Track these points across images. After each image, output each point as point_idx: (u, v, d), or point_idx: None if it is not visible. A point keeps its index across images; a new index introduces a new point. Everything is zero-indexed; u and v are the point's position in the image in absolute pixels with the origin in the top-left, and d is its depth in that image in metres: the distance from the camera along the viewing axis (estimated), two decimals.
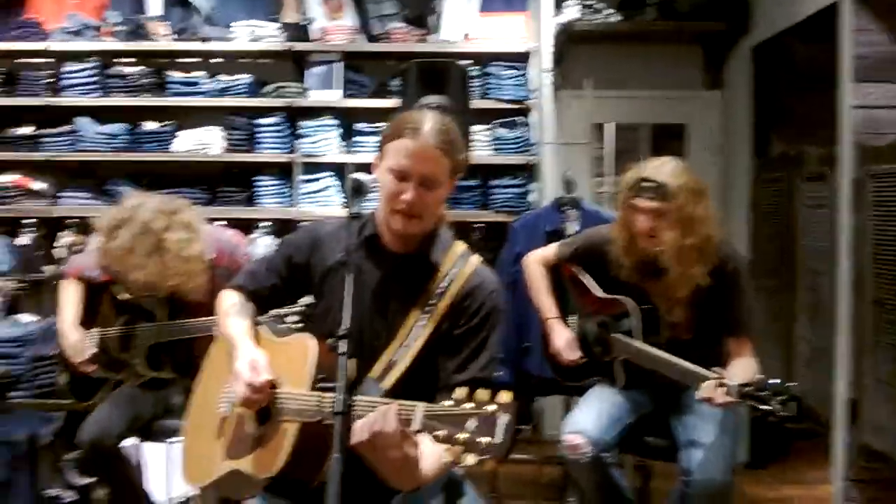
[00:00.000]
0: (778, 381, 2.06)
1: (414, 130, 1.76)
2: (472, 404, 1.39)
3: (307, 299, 2.04)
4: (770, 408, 2.01)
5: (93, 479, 2.68)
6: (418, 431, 1.46)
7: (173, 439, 2.71)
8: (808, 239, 3.41)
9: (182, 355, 2.72)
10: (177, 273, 2.61)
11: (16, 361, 3.21)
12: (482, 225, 4.41)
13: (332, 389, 1.57)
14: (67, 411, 2.78)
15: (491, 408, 1.38)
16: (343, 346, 1.57)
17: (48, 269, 4.24)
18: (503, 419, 1.36)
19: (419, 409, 1.46)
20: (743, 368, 2.29)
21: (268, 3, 4.65)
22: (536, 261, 2.91)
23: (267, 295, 2.00)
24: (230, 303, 1.98)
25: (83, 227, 4.27)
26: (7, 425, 2.45)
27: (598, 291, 2.72)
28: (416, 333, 1.80)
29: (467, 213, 4.44)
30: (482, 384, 1.74)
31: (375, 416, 1.48)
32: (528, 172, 4.48)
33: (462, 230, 4.44)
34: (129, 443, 2.89)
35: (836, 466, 2.86)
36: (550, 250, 2.89)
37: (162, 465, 3.03)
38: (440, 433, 1.40)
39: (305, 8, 4.64)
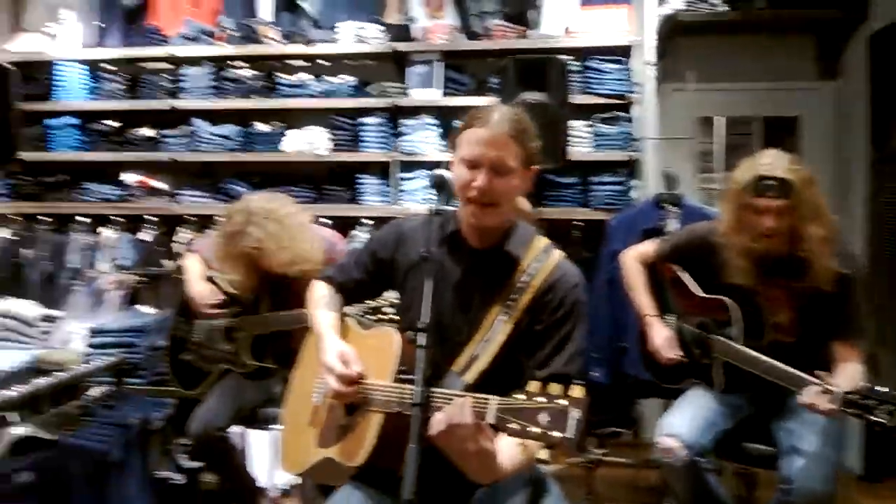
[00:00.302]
0: (885, 389, 1.97)
1: (482, 119, 1.79)
2: (543, 398, 1.40)
3: (394, 295, 2.09)
4: (875, 418, 1.92)
5: (201, 464, 2.82)
6: (492, 425, 1.47)
7: (275, 427, 2.83)
8: None
9: (282, 346, 2.83)
10: (292, 260, 2.75)
11: (135, 350, 3.42)
12: (581, 223, 4.36)
13: (412, 381, 1.60)
14: (179, 399, 2.94)
15: (563, 402, 1.38)
16: (422, 339, 1.59)
17: (168, 264, 4.49)
18: (574, 413, 1.37)
19: (493, 402, 1.48)
20: (849, 375, 2.20)
21: (372, 3, 4.75)
22: (634, 257, 2.85)
23: (353, 288, 2.08)
24: (319, 294, 2.07)
25: (201, 223, 4.52)
26: (123, 409, 2.61)
27: (699, 291, 2.64)
28: (497, 328, 1.81)
29: (567, 210, 4.40)
30: (565, 380, 1.74)
31: (452, 409, 1.50)
32: (629, 169, 4.39)
33: (562, 228, 4.42)
34: (235, 430, 3.05)
35: None
36: (649, 247, 2.82)
37: (266, 452, 3.16)
38: (513, 426, 1.42)
39: (407, 8, 4.71)
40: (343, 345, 1.88)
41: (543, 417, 1.39)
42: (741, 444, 2.53)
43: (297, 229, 2.82)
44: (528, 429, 1.40)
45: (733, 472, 2.91)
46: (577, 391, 1.40)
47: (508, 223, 1.88)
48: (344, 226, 4.50)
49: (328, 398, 1.92)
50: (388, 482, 1.77)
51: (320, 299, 2.06)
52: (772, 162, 2.33)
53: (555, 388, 1.41)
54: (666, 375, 2.78)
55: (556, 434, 1.37)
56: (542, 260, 1.85)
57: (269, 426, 2.86)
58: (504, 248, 1.85)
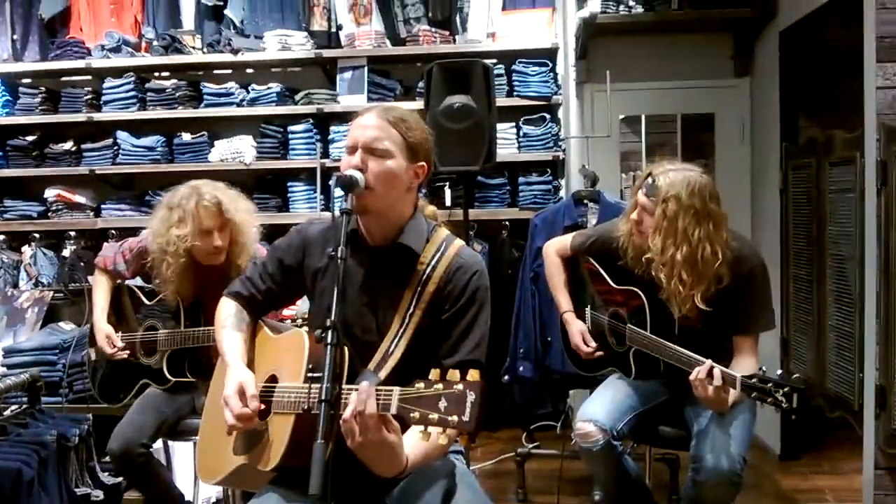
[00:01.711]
0: (779, 372, 2.08)
1: (367, 109, 1.85)
2: (441, 385, 1.42)
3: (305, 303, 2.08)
4: (772, 400, 2.01)
5: (121, 480, 2.76)
6: (396, 416, 1.48)
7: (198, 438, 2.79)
8: (837, 225, 3.32)
9: (202, 359, 2.82)
10: (234, 246, 2.78)
11: (53, 368, 3.35)
12: (507, 223, 4.42)
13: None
14: (94, 414, 2.89)
15: (459, 387, 1.40)
16: (330, 337, 1.59)
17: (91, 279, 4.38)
18: (471, 397, 1.39)
19: (395, 393, 1.49)
20: (745, 367, 2.29)
21: (297, 12, 4.73)
22: (555, 251, 2.93)
23: (262, 300, 2.04)
24: (226, 314, 2.02)
25: (124, 237, 4.44)
26: (38, 427, 2.55)
27: (613, 283, 2.72)
28: (406, 322, 1.83)
29: (495, 211, 4.46)
30: (473, 366, 1.77)
31: (358, 397, 1.50)
32: (554, 169, 4.47)
33: (492, 229, 4.47)
34: (158, 444, 3.00)
35: (867, 455, 2.78)
36: (567, 240, 2.91)
37: (191, 465, 3.11)
38: (414, 415, 1.44)
39: (333, 15, 4.71)
40: (244, 374, 1.84)
41: (442, 404, 1.41)
42: (657, 428, 2.60)
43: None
44: (428, 416, 1.42)
45: (656, 458, 2.98)
46: (473, 374, 1.42)
47: (402, 218, 1.88)
48: (274, 234, 4.47)
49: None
50: (304, 482, 1.77)
51: (226, 319, 2.01)
52: (669, 169, 2.45)
53: (454, 374, 1.44)
54: (587, 366, 2.86)
55: (453, 418, 1.39)
56: (442, 250, 1.87)
57: (193, 438, 2.81)
58: (402, 242, 1.86)
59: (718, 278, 2.39)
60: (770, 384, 2.04)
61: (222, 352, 1.96)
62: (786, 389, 2.01)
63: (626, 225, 2.56)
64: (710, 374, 2.17)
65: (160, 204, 2.86)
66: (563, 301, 2.87)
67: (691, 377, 2.21)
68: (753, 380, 2.08)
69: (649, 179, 2.46)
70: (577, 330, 2.79)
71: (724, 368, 2.18)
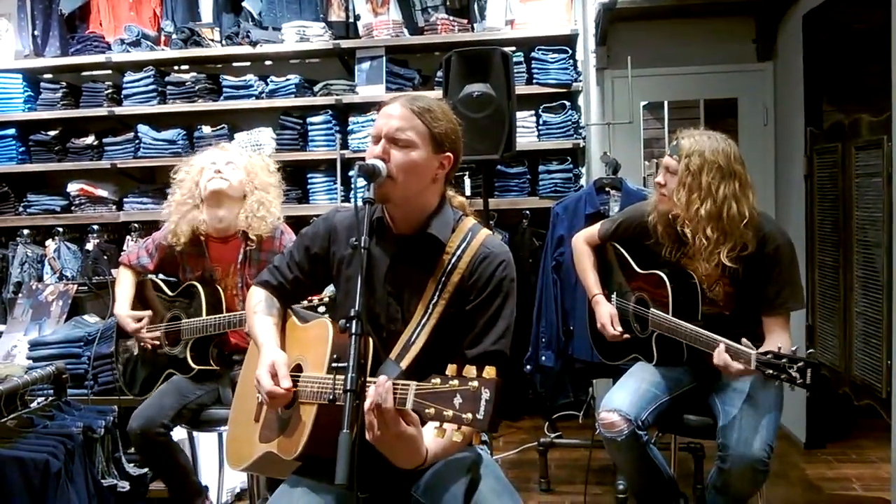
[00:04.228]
0: (793, 348, 2.07)
1: (391, 100, 1.83)
2: (457, 381, 1.41)
3: (331, 289, 2.08)
4: (786, 376, 2.00)
5: (146, 471, 2.78)
6: (414, 410, 1.48)
7: (223, 428, 2.81)
8: (863, 210, 3.26)
9: (224, 347, 2.85)
10: (251, 216, 2.82)
11: (78, 361, 3.38)
12: (530, 212, 4.39)
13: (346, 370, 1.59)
14: (119, 406, 2.91)
15: (474, 384, 1.39)
16: (354, 327, 1.58)
17: (115, 272, 4.42)
18: (485, 394, 1.38)
19: (412, 388, 1.48)
20: (774, 345, 2.24)
21: (315, 2, 4.73)
22: (582, 240, 2.92)
23: (291, 289, 2.04)
24: (256, 300, 2.03)
25: (146, 230, 4.47)
26: (64, 419, 2.57)
27: (637, 267, 2.70)
28: (429, 312, 1.82)
29: (516, 200, 4.44)
30: (496, 357, 1.76)
31: (374, 393, 1.50)
32: (575, 156, 4.44)
33: (512, 218, 4.45)
34: (183, 434, 3.02)
35: (894, 443, 2.74)
36: (595, 229, 2.90)
37: (215, 455, 3.13)
38: (430, 411, 1.43)
39: (351, 5, 4.70)
40: (277, 354, 1.85)
41: (457, 400, 1.41)
42: (682, 417, 2.57)
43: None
44: (443, 412, 1.42)
45: (680, 447, 2.96)
46: (490, 371, 1.41)
47: (427, 208, 1.87)
48: (296, 225, 4.49)
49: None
50: (330, 472, 1.78)
51: (257, 305, 2.02)
52: (693, 132, 2.46)
53: (469, 370, 1.43)
54: (611, 353, 2.84)
55: (467, 416, 1.39)
56: (468, 240, 1.85)
57: (217, 428, 2.83)
58: (428, 232, 1.84)
59: (744, 244, 2.38)
60: (784, 360, 2.02)
61: (255, 335, 1.96)
62: (799, 364, 1.99)
63: (654, 196, 2.57)
64: (728, 352, 2.19)
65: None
66: (593, 284, 2.85)
67: (714, 361, 2.22)
68: (768, 356, 2.06)
69: (674, 142, 2.48)
70: (607, 311, 2.76)
71: (736, 345, 2.20)
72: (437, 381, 1.44)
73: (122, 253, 3.12)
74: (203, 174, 2.86)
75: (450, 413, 1.40)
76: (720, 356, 2.22)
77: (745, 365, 2.16)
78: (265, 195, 2.89)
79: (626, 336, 2.70)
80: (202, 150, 3.05)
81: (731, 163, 2.39)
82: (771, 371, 2.05)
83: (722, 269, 2.42)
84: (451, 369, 1.45)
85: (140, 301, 3.00)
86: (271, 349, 1.88)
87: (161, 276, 3.06)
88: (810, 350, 2.07)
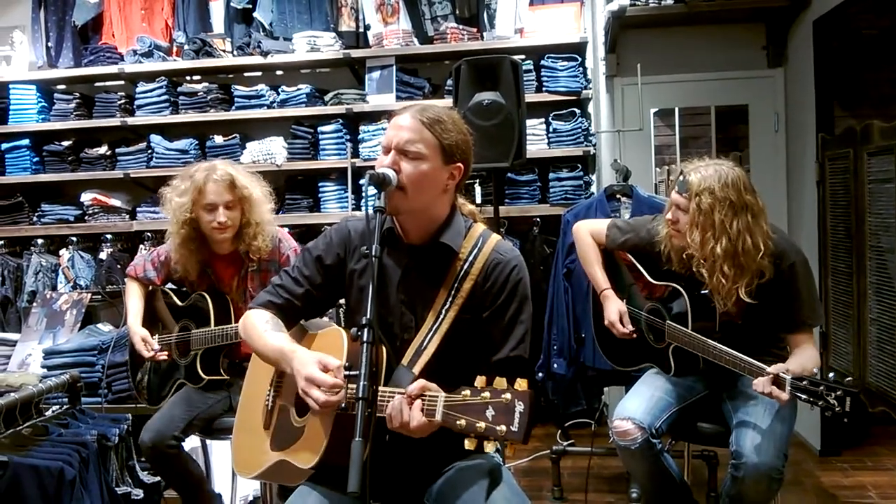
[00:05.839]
0: (832, 374, 2.02)
1: (401, 110, 1.83)
2: (488, 393, 1.41)
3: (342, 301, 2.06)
4: (824, 403, 1.97)
5: (160, 479, 2.79)
6: (443, 422, 1.49)
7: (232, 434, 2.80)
8: (876, 216, 3.25)
9: (235, 357, 2.85)
10: (248, 227, 2.80)
11: (92, 369, 3.41)
12: (538, 219, 4.40)
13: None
14: (133, 414, 2.92)
15: (507, 396, 1.40)
16: (366, 335, 1.58)
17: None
18: (519, 406, 1.38)
19: (440, 399, 1.48)
20: (801, 362, 2.24)
21: (325, 12, 4.76)
22: (587, 231, 2.89)
23: (301, 305, 1.95)
24: (262, 321, 1.90)
25: (159, 240, 4.50)
26: (79, 427, 2.58)
27: (651, 278, 2.68)
28: (441, 318, 1.82)
29: (526, 207, 4.44)
30: (518, 362, 1.76)
31: (398, 409, 1.52)
32: (585, 164, 4.44)
33: (523, 226, 4.46)
34: (196, 442, 3.03)
35: None
36: (602, 228, 2.85)
37: (228, 463, 3.14)
38: (460, 423, 1.43)
39: (361, 15, 4.72)
40: (314, 353, 1.77)
41: (489, 412, 1.41)
42: (695, 424, 2.56)
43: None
44: (475, 424, 1.42)
45: (694, 454, 2.94)
46: (522, 384, 1.42)
47: (438, 218, 1.86)
48: (307, 234, 4.51)
49: (279, 402, 1.91)
50: (342, 480, 1.77)
51: (265, 325, 1.89)
52: (700, 165, 2.42)
53: (500, 381, 1.43)
54: (622, 360, 2.83)
55: (501, 428, 1.39)
56: (479, 246, 1.86)
57: (230, 436, 2.83)
58: (439, 240, 1.85)
59: (761, 272, 2.35)
60: (822, 387, 1.99)
61: (273, 349, 1.83)
62: (838, 393, 1.96)
63: (665, 228, 2.53)
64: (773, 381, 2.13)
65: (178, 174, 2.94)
66: (601, 279, 2.81)
67: (759, 390, 2.16)
68: (804, 382, 2.03)
69: (681, 177, 2.44)
70: (616, 308, 2.73)
71: (776, 372, 2.13)
72: (468, 392, 1.44)
73: (130, 265, 3.11)
74: (202, 214, 2.79)
75: (482, 425, 1.40)
76: (766, 386, 2.14)
77: (784, 393, 2.11)
78: (261, 220, 2.84)
79: (635, 335, 2.68)
80: (193, 174, 2.84)
81: (742, 195, 2.35)
82: (806, 397, 2.02)
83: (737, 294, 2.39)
84: (479, 381, 1.45)
85: (150, 312, 3.02)
86: (304, 351, 1.78)
87: (170, 284, 3.07)
88: (847, 378, 2.01)
